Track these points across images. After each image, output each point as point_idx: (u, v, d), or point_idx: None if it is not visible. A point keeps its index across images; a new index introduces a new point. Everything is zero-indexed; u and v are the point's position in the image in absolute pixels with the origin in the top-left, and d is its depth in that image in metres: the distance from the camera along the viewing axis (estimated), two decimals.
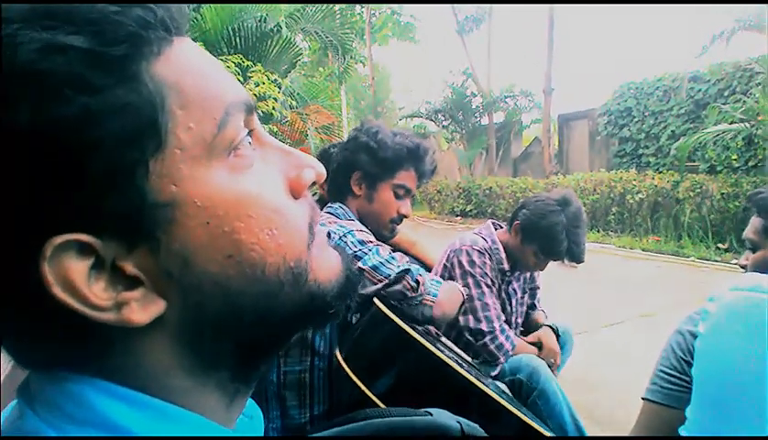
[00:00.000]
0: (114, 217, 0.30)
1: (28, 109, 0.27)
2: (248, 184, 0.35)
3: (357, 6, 17.56)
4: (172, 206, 0.31)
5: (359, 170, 1.57)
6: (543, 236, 1.95)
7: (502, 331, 1.93)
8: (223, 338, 0.35)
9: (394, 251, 1.57)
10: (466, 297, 1.54)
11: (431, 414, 0.56)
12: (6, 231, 0.28)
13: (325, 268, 0.40)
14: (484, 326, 1.92)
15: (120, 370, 0.33)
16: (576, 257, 1.97)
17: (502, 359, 1.91)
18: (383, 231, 1.63)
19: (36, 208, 0.28)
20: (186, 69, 0.33)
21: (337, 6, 8.66)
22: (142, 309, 0.31)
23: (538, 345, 2.11)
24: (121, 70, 0.29)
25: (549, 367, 2.07)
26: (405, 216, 1.64)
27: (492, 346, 1.90)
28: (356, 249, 1.38)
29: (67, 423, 0.31)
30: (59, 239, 0.28)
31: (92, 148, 0.28)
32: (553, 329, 2.18)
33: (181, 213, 0.31)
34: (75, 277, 0.29)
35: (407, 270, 1.35)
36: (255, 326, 0.36)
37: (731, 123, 7.86)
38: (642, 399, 1.20)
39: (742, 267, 1.48)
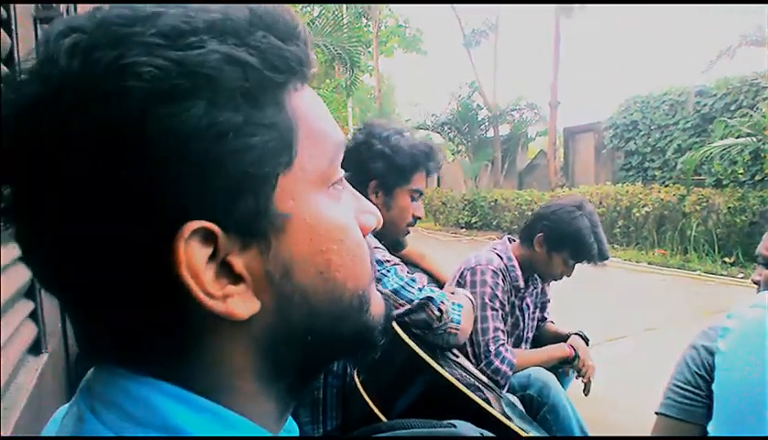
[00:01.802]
0: (240, 215, 0.33)
1: (204, 108, 0.30)
2: (341, 214, 0.39)
3: (364, 18, 17.68)
4: (287, 218, 0.35)
5: (376, 178, 1.54)
6: (573, 242, 1.95)
7: (497, 354, 1.88)
8: (294, 349, 0.38)
9: (403, 262, 1.56)
10: (474, 304, 1.54)
11: (454, 426, 0.57)
12: (151, 210, 0.31)
13: (376, 303, 0.43)
14: (480, 351, 1.90)
15: (191, 367, 0.35)
16: (603, 255, 2.00)
17: (502, 381, 1.88)
18: (400, 237, 1.63)
19: (186, 193, 0.31)
20: (311, 106, 0.38)
21: (345, 19, 8.74)
22: (243, 305, 0.34)
23: (572, 358, 2.10)
24: (276, 94, 0.34)
25: (582, 375, 2.09)
26: (419, 218, 1.64)
27: (488, 371, 1.86)
28: None
29: (129, 425, 0.33)
30: (196, 224, 0.31)
31: (243, 152, 0.32)
32: (581, 336, 2.17)
33: (291, 225, 0.35)
34: (198, 262, 0.32)
35: (430, 298, 1.34)
36: (321, 343, 0.39)
37: (738, 137, 7.87)
38: (656, 413, 1.20)
39: (755, 283, 1.48)
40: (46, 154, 0.30)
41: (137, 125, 0.29)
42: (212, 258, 0.33)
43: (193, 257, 0.31)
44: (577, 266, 2.05)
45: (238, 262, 0.34)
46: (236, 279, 0.34)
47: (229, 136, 0.31)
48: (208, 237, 0.32)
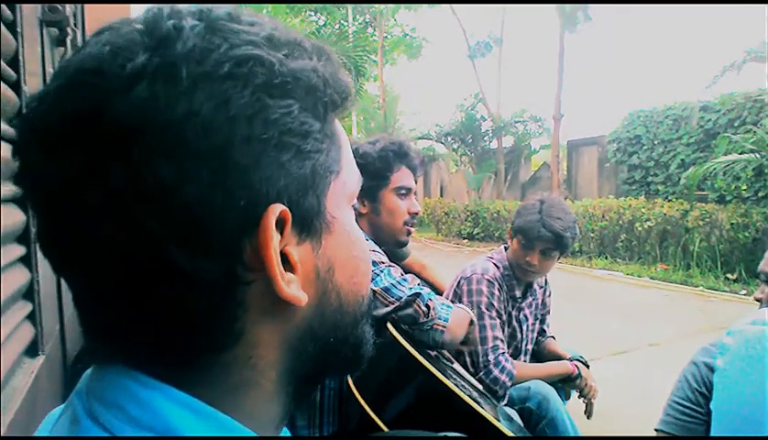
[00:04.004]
0: (304, 210, 0.36)
1: (298, 109, 0.34)
2: (359, 231, 0.44)
3: (370, 28, 17.76)
4: (335, 220, 0.39)
5: None
6: (522, 229, 1.97)
7: (497, 364, 1.87)
8: (317, 348, 0.40)
9: (405, 273, 1.57)
10: (474, 316, 1.54)
11: (449, 438, 0.57)
12: (248, 186, 0.32)
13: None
14: (479, 360, 1.88)
15: (221, 362, 0.35)
16: (558, 244, 1.95)
17: (500, 392, 1.86)
18: (400, 237, 1.64)
19: (276, 179, 0.33)
20: (342, 132, 0.41)
21: (351, 28, 8.79)
22: (299, 293, 0.36)
23: (575, 376, 2.08)
24: (333, 113, 0.39)
25: (585, 396, 2.07)
26: (417, 214, 1.64)
27: (487, 381, 1.85)
28: None
29: (128, 426, 0.32)
30: (280, 207, 0.33)
31: (314, 154, 0.36)
32: (582, 362, 2.13)
33: (336, 228, 0.39)
34: (275, 243, 0.33)
35: (418, 294, 1.36)
36: (339, 345, 0.41)
37: (741, 153, 7.85)
38: (656, 430, 1.19)
39: (758, 300, 1.47)
40: (155, 126, 0.30)
41: (250, 110, 0.32)
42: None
43: (272, 238, 0.33)
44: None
45: (294, 254, 0.36)
46: (290, 270, 0.36)
47: (310, 136, 0.35)
48: (277, 225, 0.34)
